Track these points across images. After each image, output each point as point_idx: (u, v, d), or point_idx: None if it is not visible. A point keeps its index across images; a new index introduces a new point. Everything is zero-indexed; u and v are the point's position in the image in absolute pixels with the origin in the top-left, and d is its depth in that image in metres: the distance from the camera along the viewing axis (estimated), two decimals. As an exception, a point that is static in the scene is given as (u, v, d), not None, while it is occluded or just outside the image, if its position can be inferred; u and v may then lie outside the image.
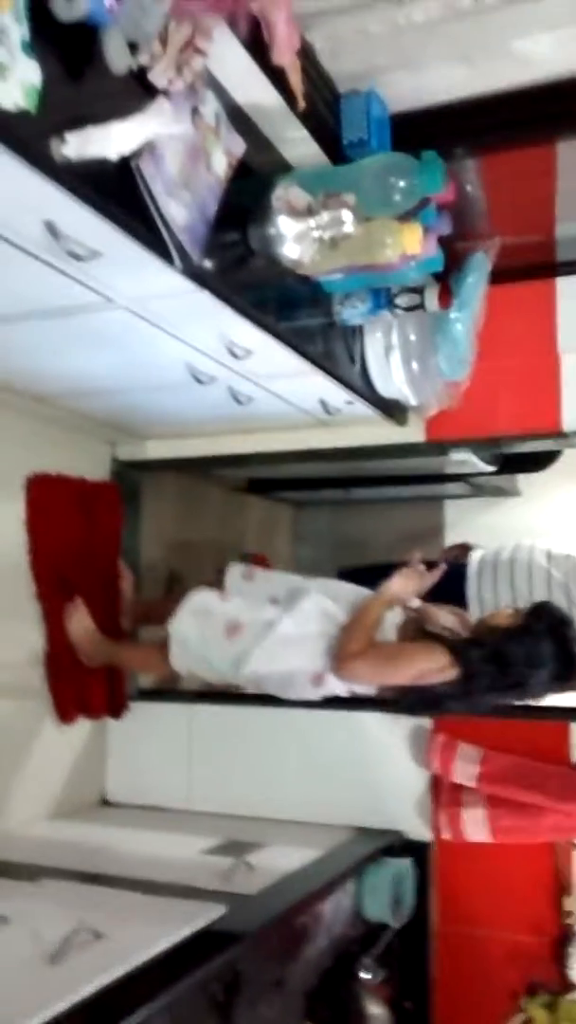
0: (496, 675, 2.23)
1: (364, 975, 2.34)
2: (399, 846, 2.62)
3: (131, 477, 3.16)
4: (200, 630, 2.46)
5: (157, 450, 3.09)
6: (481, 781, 2.54)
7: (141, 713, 3.02)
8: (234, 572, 2.68)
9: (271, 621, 2.40)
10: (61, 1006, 1.42)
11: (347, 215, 1.81)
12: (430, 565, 2.48)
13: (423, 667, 2.25)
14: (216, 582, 2.66)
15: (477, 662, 2.23)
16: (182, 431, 2.96)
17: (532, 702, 2.48)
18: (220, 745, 2.94)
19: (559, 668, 2.22)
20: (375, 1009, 2.29)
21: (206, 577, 2.69)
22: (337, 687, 2.38)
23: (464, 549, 3.27)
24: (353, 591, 2.52)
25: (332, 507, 4.39)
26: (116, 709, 2.99)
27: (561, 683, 2.28)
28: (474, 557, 3.03)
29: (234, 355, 2.07)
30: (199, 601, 2.51)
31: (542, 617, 2.29)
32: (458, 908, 2.64)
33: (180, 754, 2.96)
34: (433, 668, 2.24)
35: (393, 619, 2.43)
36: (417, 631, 2.40)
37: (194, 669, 2.56)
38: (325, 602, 2.43)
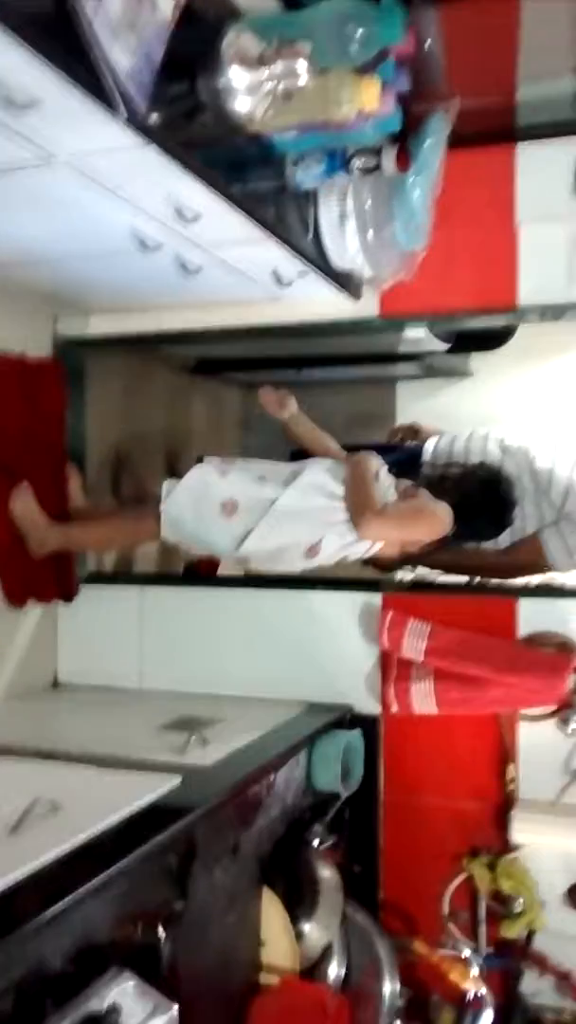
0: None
1: (315, 842, 2.40)
2: (349, 719, 2.67)
3: (74, 355, 3.05)
4: (195, 510, 2.50)
5: (101, 325, 2.98)
6: (429, 655, 2.58)
7: (92, 596, 2.99)
8: (209, 462, 2.62)
9: (271, 498, 2.46)
10: (21, 873, 1.43)
11: (301, 65, 1.72)
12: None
13: (434, 517, 2.50)
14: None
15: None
16: (128, 305, 2.85)
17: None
18: (172, 626, 2.94)
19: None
20: (325, 872, 2.36)
21: (155, 462, 2.64)
22: (331, 557, 2.49)
23: (412, 430, 3.25)
24: (331, 463, 2.59)
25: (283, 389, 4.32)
26: (66, 593, 2.96)
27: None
28: (428, 446, 3.02)
29: (182, 218, 1.97)
30: (196, 476, 2.53)
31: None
32: (405, 778, 2.71)
33: (131, 635, 2.96)
34: (441, 516, 2.49)
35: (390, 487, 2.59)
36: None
37: (184, 543, 2.63)
38: (321, 475, 2.51)
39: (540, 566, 2.78)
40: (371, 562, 2.68)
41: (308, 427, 2.71)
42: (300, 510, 2.46)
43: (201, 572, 3.47)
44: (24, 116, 1.47)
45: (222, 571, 3.35)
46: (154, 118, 1.59)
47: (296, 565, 2.52)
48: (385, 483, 2.56)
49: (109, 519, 2.87)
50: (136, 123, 1.54)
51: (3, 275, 2.48)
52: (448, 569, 2.97)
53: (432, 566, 2.94)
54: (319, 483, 2.49)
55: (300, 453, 2.86)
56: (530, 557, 2.78)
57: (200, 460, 2.62)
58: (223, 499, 2.48)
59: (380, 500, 2.48)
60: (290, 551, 2.48)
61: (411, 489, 2.59)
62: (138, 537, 2.84)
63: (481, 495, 2.63)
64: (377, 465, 2.58)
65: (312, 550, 2.47)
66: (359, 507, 2.43)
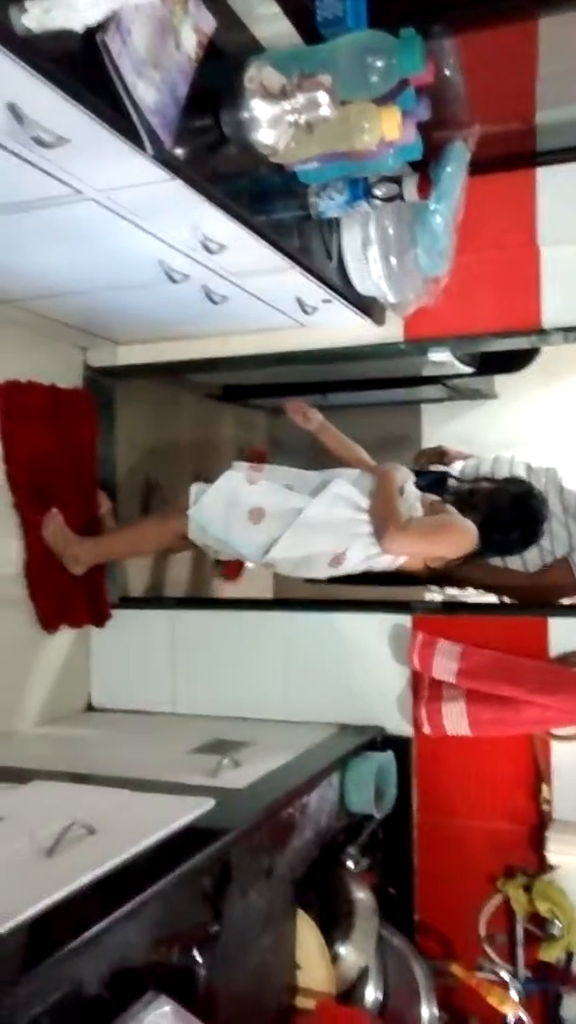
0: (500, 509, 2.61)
1: (349, 864, 2.40)
2: (381, 741, 2.67)
3: (103, 384, 3.11)
4: (224, 515, 2.54)
5: (130, 355, 3.03)
6: (461, 676, 2.58)
7: (124, 620, 3.03)
8: (239, 469, 2.64)
9: (298, 508, 2.49)
10: (57, 896, 1.44)
11: (323, 97, 1.73)
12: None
13: (459, 533, 2.52)
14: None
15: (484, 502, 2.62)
16: (155, 335, 2.90)
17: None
18: (203, 649, 2.96)
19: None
20: (360, 895, 2.35)
21: (185, 489, 2.67)
22: (353, 565, 2.51)
23: (439, 453, 3.27)
24: (357, 475, 2.62)
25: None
26: (99, 617, 2.99)
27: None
28: (455, 468, 3.03)
29: (208, 250, 2.01)
30: (226, 483, 2.57)
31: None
32: (439, 799, 2.70)
33: (164, 659, 2.98)
34: (467, 532, 2.52)
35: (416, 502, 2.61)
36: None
37: (209, 545, 2.68)
38: (348, 487, 2.53)
39: (572, 588, 2.77)
40: (400, 575, 2.68)
41: (337, 437, 2.75)
42: (325, 521, 2.48)
43: (228, 573, 3.48)
44: (53, 153, 1.51)
45: (247, 571, 3.36)
46: (179, 152, 1.62)
47: (321, 573, 2.54)
48: (412, 497, 2.57)
49: (138, 523, 2.92)
50: (162, 158, 1.58)
51: (35, 307, 2.54)
52: (480, 587, 2.97)
53: (464, 583, 2.95)
54: (345, 495, 2.51)
55: None
56: (561, 579, 2.77)
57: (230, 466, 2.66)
58: (251, 506, 2.51)
59: (406, 514, 2.49)
60: (315, 560, 2.50)
61: (438, 504, 2.60)
62: (165, 538, 2.82)
63: (511, 508, 2.64)
64: (404, 479, 2.59)
65: (336, 559, 2.50)
66: (383, 521, 2.45)
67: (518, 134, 2.60)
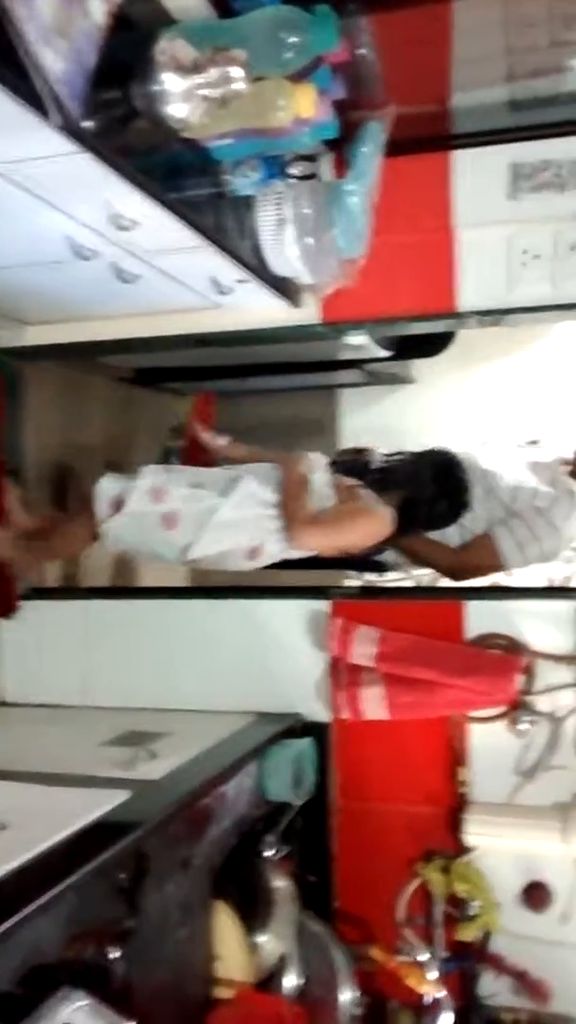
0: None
1: (268, 852, 2.38)
2: (300, 728, 2.65)
3: (11, 367, 3.01)
4: (137, 528, 2.49)
5: (39, 336, 2.93)
6: (379, 661, 2.58)
7: (34, 612, 2.94)
8: (149, 474, 2.58)
9: (210, 508, 2.46)
10: (-33, 895, 1.40)
11: (237, 72, 1.69)
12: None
13: (370, 522, 2.48)
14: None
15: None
16: (66, 315, 2.82)
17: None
18: (118, 640, 2.90)
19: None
20: (279, 883, 2.35)
21: (98, 474, 2.60)
22: (271, 556, 2.49)
23: (358, 452, 3.27)
24: (268, 468, 2.57)
25: (225, 398, 4.30)
26: (7, 610, 2.90)
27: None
28: (375, 456, 3.03)
29: (119, 227, 1.94)
30: (133, 504, 2.50)
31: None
32: (357, 784, 2.71)
33: (76, 651, 2.91)
34: (379, 519, 2.48)
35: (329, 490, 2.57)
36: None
37: (130, 552, 2.68)
38: (255, 485, 2.50)
39: (492, 566, 2.80)
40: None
41: (245, 453, 2.71)
42: (238, 519, 2.47)
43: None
44: (-48, 122, 1.44)
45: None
46: (88, 125, 1.56)
47: (241, 566, 2.52)
48: (321, 485, 2.55)
49: (50, 531, 2.82)
50: (70, 129, 1.51)
51: None
52: (413, 559, 2.98)
53: (404, 554, 2.95)
54: (252, 492, 2.50)
55: None
56: (482, 557, 2.80)
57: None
58: (163, 512, 2.48)
59: (316, 505, 2.48)
60: (233, 555, 2.49)
61: (353, 490, 2.57)
62: (76, 547, 2.79)
63: (435, 479, 2.62)
64: (309, 468, 2.56)
65: (253, 553, 2.48)
66: (288, 518, 2.45)
67: (434, 116, 2.59)
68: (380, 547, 2.62)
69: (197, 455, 2.88)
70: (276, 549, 2.48)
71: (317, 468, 2.57)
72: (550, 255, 2.60)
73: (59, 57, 1.47)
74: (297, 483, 2.50)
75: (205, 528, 2.45)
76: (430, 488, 2.60)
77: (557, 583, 4.11)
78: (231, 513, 2.46)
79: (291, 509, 2.45)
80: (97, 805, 1.79)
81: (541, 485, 2.83)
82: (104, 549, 2.61)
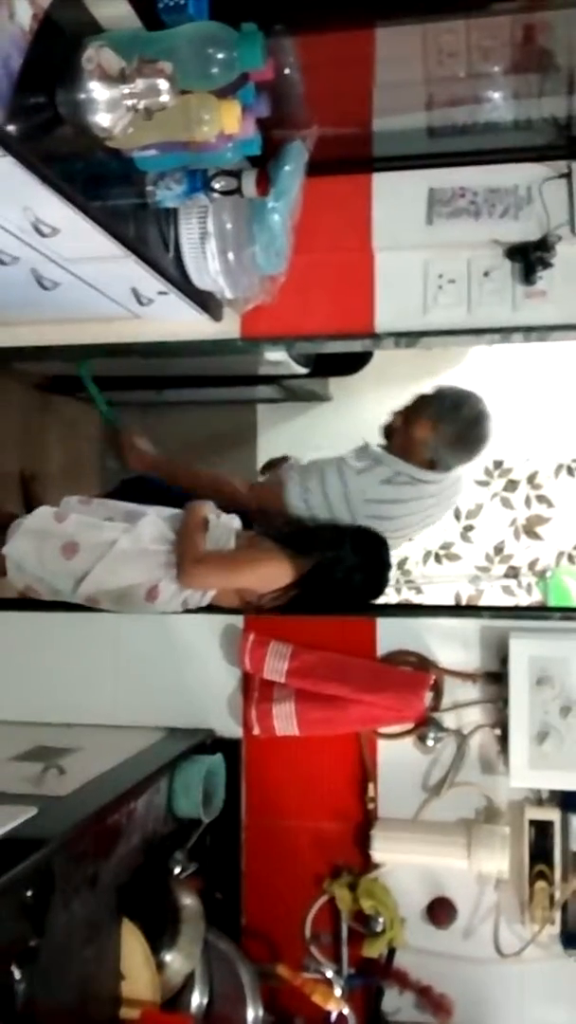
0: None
1: (176, 869, 2.36)
2: (211, 743, 2.63)
3: None
4: (38, 552, 2.52)
5: (-49, 340, 2.87)
6: (290, 676, 2.58)
7: None
8: (70, 500, 2.67)
9: (110, 540, 2.49)
10: None
11: (163, 84, 1.70)
12: None
13: (266, 567, 2.53)
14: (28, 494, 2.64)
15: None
16: (-18, 320, 2.77)
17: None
18: (25, 653, 2.83)
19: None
20: (187, 900, 2.31)
21: (10, 483, 2.58)
22: (170, 602, 2.53)
23: (284, 460, 3.27)
24: (171, 511, 2.63)
25: (142, 409, 4.28)
26: None
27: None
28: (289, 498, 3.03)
29: (39, 232, 1.92)
30: (35, 522, 2.55)
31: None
32: (267, 801, 2.69)
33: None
34: (276, 567, 2.53)
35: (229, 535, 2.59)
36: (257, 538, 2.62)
37: (32, 586, 2.65)
38: (159, 523, 2.55)
39: (276, 507, 2.80)
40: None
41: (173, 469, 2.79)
42: (137, 552, 2.50)
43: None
44: None
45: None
46: (11, 129, 1.55)
47: (141, 609, 2.55)
48: (222, 530, 2.58)
49: None
50: (-9, 131, 1.50)
51: None
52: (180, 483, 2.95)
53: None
54: (156, 527, 2.54)
55: (132, 480, 2.93)
56: (269, 497, 2.82)
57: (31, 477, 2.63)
58: (64, 541, 2.50)
59: (210, 547, 2.52)
60: (131, 594, 2.52)
61: (254, 539, 2.62)
62: None
63: (356, 548, 2.62)
64: (208, 511, 2.60)
65: (151, 594, 2.52)
66: (179, 556, 2.48)
67: (356, 139, 2.64)
68: (282, 598, 2.62)
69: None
70: (171, 590, 2.52)
71: (216, 512, 2.60)
72: (464, 280, 2.66)
73: (-19, 59, 1.45)
74: (195, 523, 2.54)
75: (101, 559, 2.48)
76: (351, 558, 2.61)
77: (464, 602, 4.19)
78: (128, 545, 2.50)
79: (184, 545, 2.49)
80: (2, 822, 1.74)
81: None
82: (8, 582, 2.63)
